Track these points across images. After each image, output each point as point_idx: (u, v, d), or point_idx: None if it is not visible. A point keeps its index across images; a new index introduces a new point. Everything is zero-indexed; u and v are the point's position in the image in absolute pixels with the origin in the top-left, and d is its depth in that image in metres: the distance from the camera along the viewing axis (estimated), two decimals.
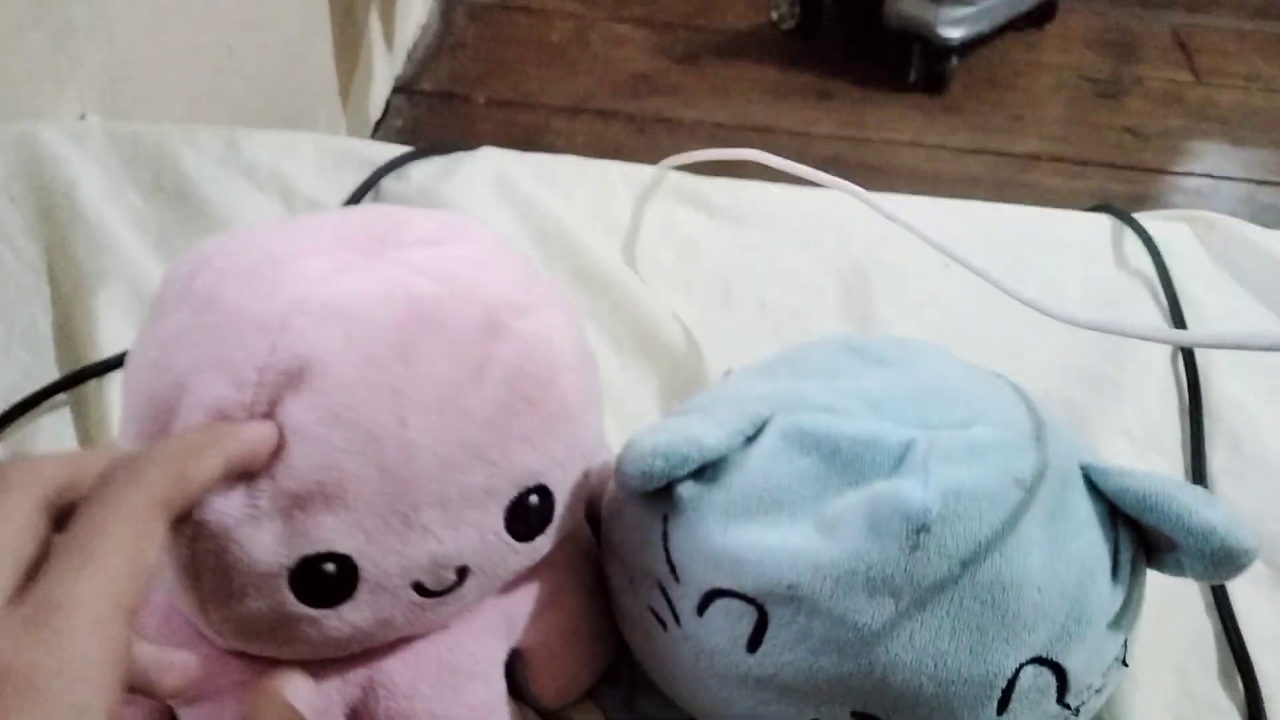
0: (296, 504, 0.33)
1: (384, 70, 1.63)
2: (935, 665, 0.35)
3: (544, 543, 0.40)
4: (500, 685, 0.42)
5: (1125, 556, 0.38)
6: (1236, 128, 1.70)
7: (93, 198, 0.64)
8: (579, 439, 0.40)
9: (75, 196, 0.64)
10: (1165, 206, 0.76)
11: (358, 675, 0.38)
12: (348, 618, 0.35)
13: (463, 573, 0.37)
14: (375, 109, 1.60)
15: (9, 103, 0.71)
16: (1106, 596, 0.37)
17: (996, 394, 0.41)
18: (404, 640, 0.39)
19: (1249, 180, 1.64)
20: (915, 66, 1.72)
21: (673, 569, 0.39)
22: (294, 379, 0.33)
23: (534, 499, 0.38)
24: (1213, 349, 0.61)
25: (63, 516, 0.28)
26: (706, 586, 0.37)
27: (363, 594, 0.35)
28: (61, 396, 0.56)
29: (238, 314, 0.34)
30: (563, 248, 0.65)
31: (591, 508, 0.45)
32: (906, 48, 1.71)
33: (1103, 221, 0.71)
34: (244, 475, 0.33)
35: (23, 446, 0.54)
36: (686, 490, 0.38)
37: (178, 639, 0.38)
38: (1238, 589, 0.51)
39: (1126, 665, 0.39)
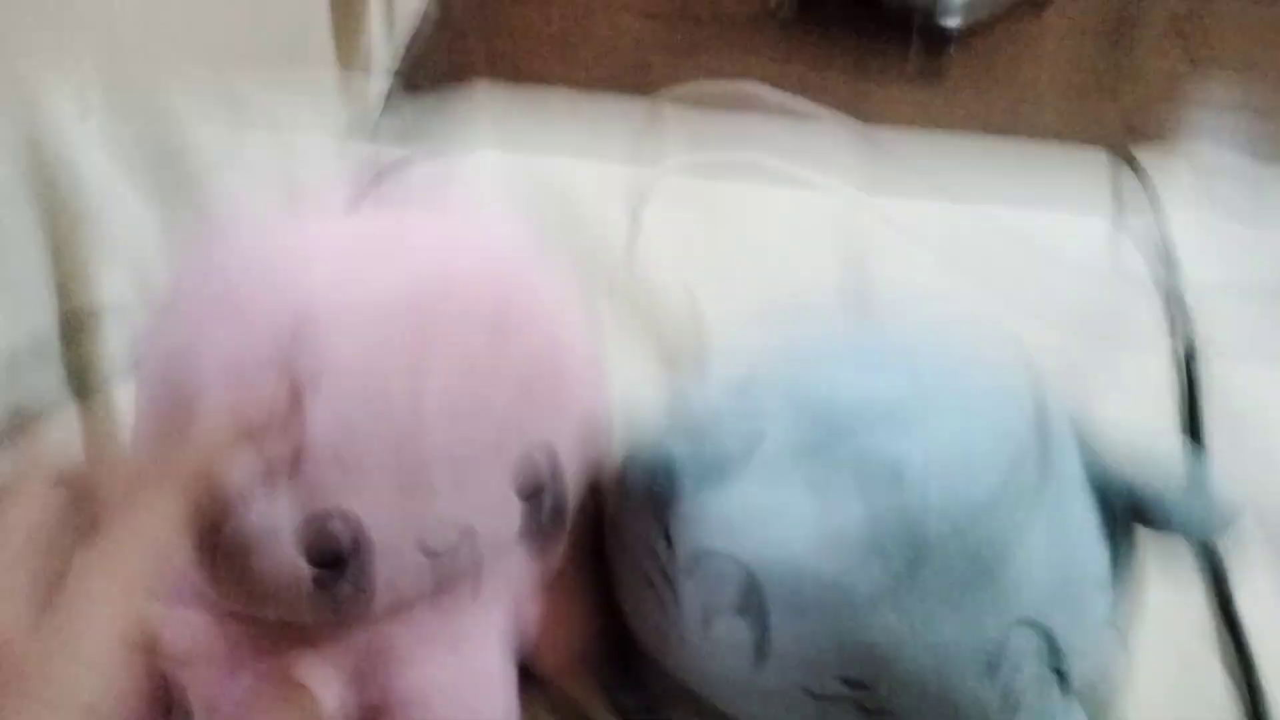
0: (310, 467, 0.34)
1: (381, 59, 1.62)
2: (924, 628, 0.35)
3: (552, 511, 0.40)
4: (501, 653, 0.42)
5: (1117, 520, 0.38)
6: (1234, 115, 1.69)
7: (94, 176, 0.64)
8: (588, 411, 0.41)
9: (77, 173, 0.64)
10: (1162, 143, 0.75)
11: (362, 645, 0.39)
12: (355, 580, 0.36)
13: (469, 536, 0.38)
14: (372, 101, 1.60)
15: None
16: (1097, 559, 0.37)
17: (990, 351, 0.41)
18: (409, 610, 0.39)
19: (1247, 117, 1.62)
20: (914, 53, 1.71)
21: (666, 534, 0.39)
22: (311, 344, 0.34)
23: (544, 467, 0.39)
24: (1206, 298, 0.61)
25: (86, 508, 0.28)
26: (700, 554, 0.38)
27: (373, 558, 0.35)
28: (55, 345, 0.56)
29: (250, 277, 0.35)
30: (563, 230, 0.65)
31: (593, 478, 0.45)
32: (905, 34, 1.71)
33: (1099, 159, 0.70)
34: (263, 447, 0.33)
35: (17, 396, 0.54)
36: (680, 455, 0.38)
37: (179, 603, 0.38)
38: (1233, 562, 0.50)
39: (1119, 631, 0.39)
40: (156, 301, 0.39)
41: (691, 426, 0.38)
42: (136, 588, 0.25)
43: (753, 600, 0.37)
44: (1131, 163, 0.68)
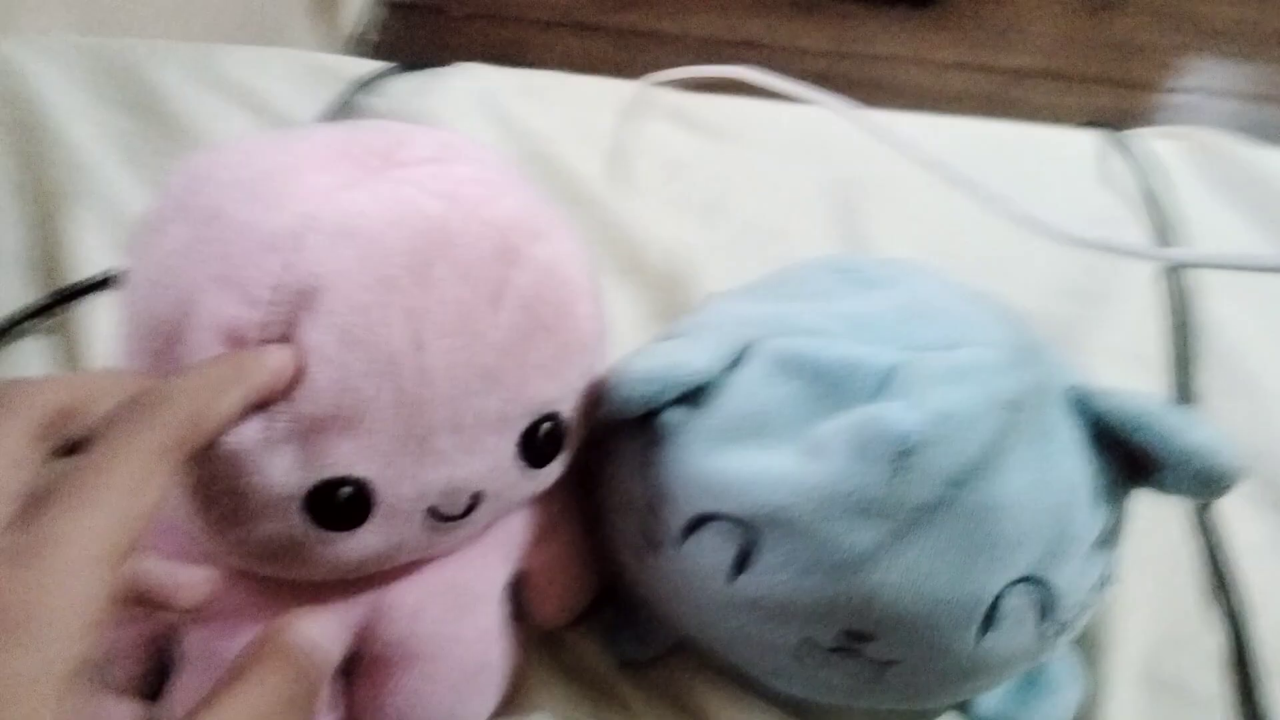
0: (313, 428, 0.33)
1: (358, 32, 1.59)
2: (921, 586, 0.35)
3: (555, 469, 0.40)
4: (502, 608, 0.42)
5: (1111, 477, 0.38)
6: (1227, 42, 1.68)
7: (62, 115, 0.63)
8: (591, 367, 0.39)
9: (45, 113, 0.62)
10: (1155, 123, 0.75)
11: (364, 598, 0.38)
12: (361, 541, 0.35)
13: (476, 498, 0.37)
14: (350, 23, 1.57)
15: None
16: (1092, 516, 0.37)
17: (983, 314, 0.41)
18: (412, 563, 0.39)
19: (1239, 96, 1.62)
20: None
21: (658, 493, 0.38)
22: (308, 299, 0.32)
23: (547, 426, 0.38)
24: (1200, 268, 0.60)
25: (64, 442, 0.27)
26: (692, 511, 0.37)
27: (377, 518, 0.35)
28: (37, 320, 0.55)
29: (245, 229, 0.33)
30: (544, 165, 0.64)
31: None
32: None
33: (1092, 138, 0.70)
34: (266, 405, 0.32)
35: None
36: (671, 415, 0.38)
37: (177, 559, 0.37)
38: (1223, 506, 0.51)
39: (1112, 584, 0.39)
40: (142, 221, 0.37)
41: (686, 387, 0.38)
42: (117, 527, 0.24)
43: (751, 559, 0.37)
44: (1123, 141, 0.68)
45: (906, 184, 0.63)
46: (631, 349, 0.39)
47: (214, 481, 0.33)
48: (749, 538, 0.36)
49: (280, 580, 0.37)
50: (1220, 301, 0.59)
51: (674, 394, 0.37)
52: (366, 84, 0.68)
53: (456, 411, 0.35)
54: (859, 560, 0.35)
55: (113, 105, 0.65)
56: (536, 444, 0.38)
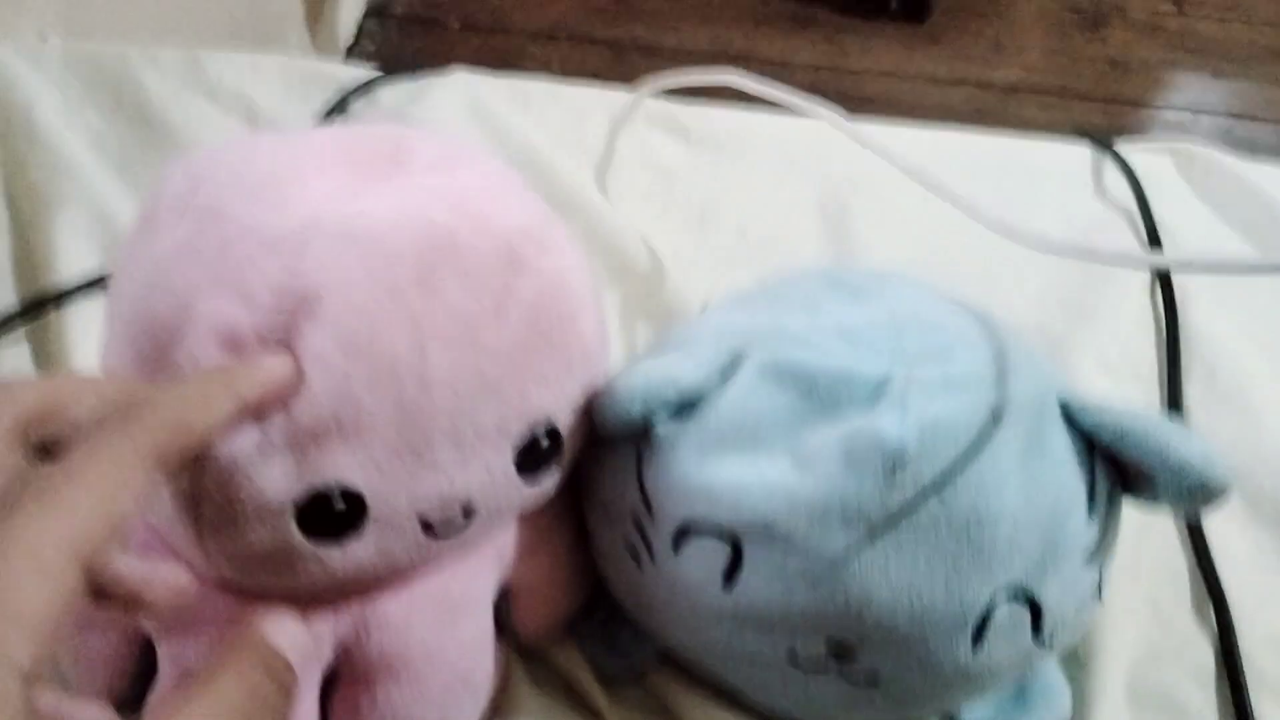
0: (309, 437, 0.32)
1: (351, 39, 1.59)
2: (910, 599, 0.35)
3: (549, 483, 0.39)
4: (488, 620, 0.41)
5: (1101, 489, 0.38)
6: (1217, 60, 1.69)
7: (51, 120, 0.62)
8: (592, 380, 0.39)
9: (33, 118, 0.62)
10: (1144, 139, 0.75)
11: (351, 609, 0.38)
12: (351, 553, 0.35)
13: (469, 511, 0.36)
14: (345, 33, 1.57)
15: None
16: (1082, 530, 0.37)
17: (974, 326, 0.41)
18: (400, 575, 0.38)
19: (1228, 114, 1.63)
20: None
21: (648, 504, 0.38)
22: (310, 304, 0.32)
23: (544, 440, 0.37)
24: (1189, 274, 0.60)
25: (42, 444, 0.26)
26: (682, 522, 0.37)
27: (369, 530, 0.34)
28: (20, 324, 0.55)
29: (246, 231, 0.33)
30: (535, 173, 0.64)
31: None
32: None
33: (1083, 151, 0.70)
34: (261, 416, 0.31)
35: None
36: (662, 426, 0.38)
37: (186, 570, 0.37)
38: (1211, 520, 0.51)
39: (1101, 597, 0.39)
40: (137, 221, 0.36)
41: (679, 403, 0.37)
42: (87, 529, 0.24)
43: (740, 570, 0.36)
44: (1113, 154, 0.68)
45: (897, 194, 0.63)
46: (619, 356, 0.39)
47: (206, 489, 0.32)
48: (739, 548, 0.36)
49: (266, 591, 0.36)
50: (1210, 313, 0.59)
51: (666, 412, 0.37)
52: (358, 90, 0.68)
53: (455, 422, 0.34)
54: (848, 573, 0.35)
55: (102, 111, 0.65)
56: (534, 456, 0.37)
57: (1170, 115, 1.61)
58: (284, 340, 0.32)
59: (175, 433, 0.27)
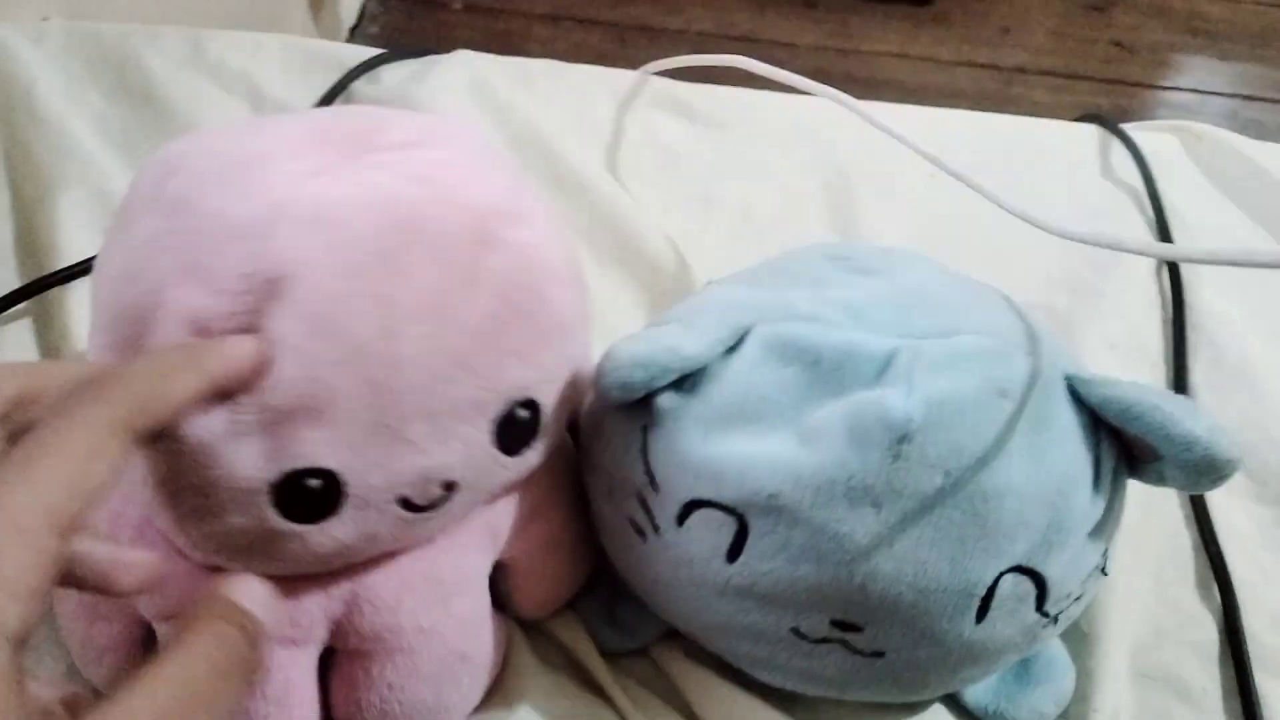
0: (280, 419, 0.32)
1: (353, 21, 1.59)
2: (915, 574, 0.35)
3: (532, 457, 0.39)
4: (485, 598, 0.41)
5: (1107, 466, 0.38)
6: (1223, 41, 1.68)
7: (53, 100, 0.62)
8: (569, 353, 0.39)
9: (34, 98, 0.62)
10: (1151, 120, 0.75)
11: (340, 590, 0.38)
12: (332, 533, 0.35)
13: (450, 487, 0.36)
14: (349, 15, 1.56)
15: None
16: (1088, 506, 0.37)
17: (981, 302, 0.41)
18: (389, 554, 0.38)
19: (1235, 95, 1.62)
20: None
21: (652, 479, 0.38)
22: (277, 288, 0.32)
23: (523, 413, 0.37)
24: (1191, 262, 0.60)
25: (19, 431, 0.26)
26: (686, 497, 0.37)
27: (347, 509, 0.34)
28: (23, 305, 0.55)
29: (214, 219, 0.33)
30: (540, 154, 0.63)
31: (571, 418, 0.44)
32: None
33: (1090, 132, 0.70)
34: (229, 395, 0.31)
35: None
36: (666, 401, 0.38)
37: (147, 550, 0.37)
38: (1216, 499, 0.51)
39: (1106, 574, 0.39)
40: (116, 212, 0.37)
41: (679, 373, 0.37)
42: (63, 497, 0.24)
43: (745, 546, 0.36)
44: (1121, 135, 0.68)
45: (903, 175, 0.63)
46: (625, 334, 0.39)
47: (181, 474, 0.32)
48: (743, 522, 0.36)
49: (254, 573, 0.36)
50: (1216, 293, 0.59)
51: (667, 380, 0.37)
52: (361, 71, 0.67)
53: (429, 399, 0.34)
54: (853, 548, 0.35)
55: (105, 91, 0.65)
56: (512, 431, 0.37)
57: (1177, 97, 1.61)
58: (252, 325, 0.32)
59: (144, 404, 0.27)
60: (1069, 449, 0.37)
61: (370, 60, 0.68)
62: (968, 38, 1.66)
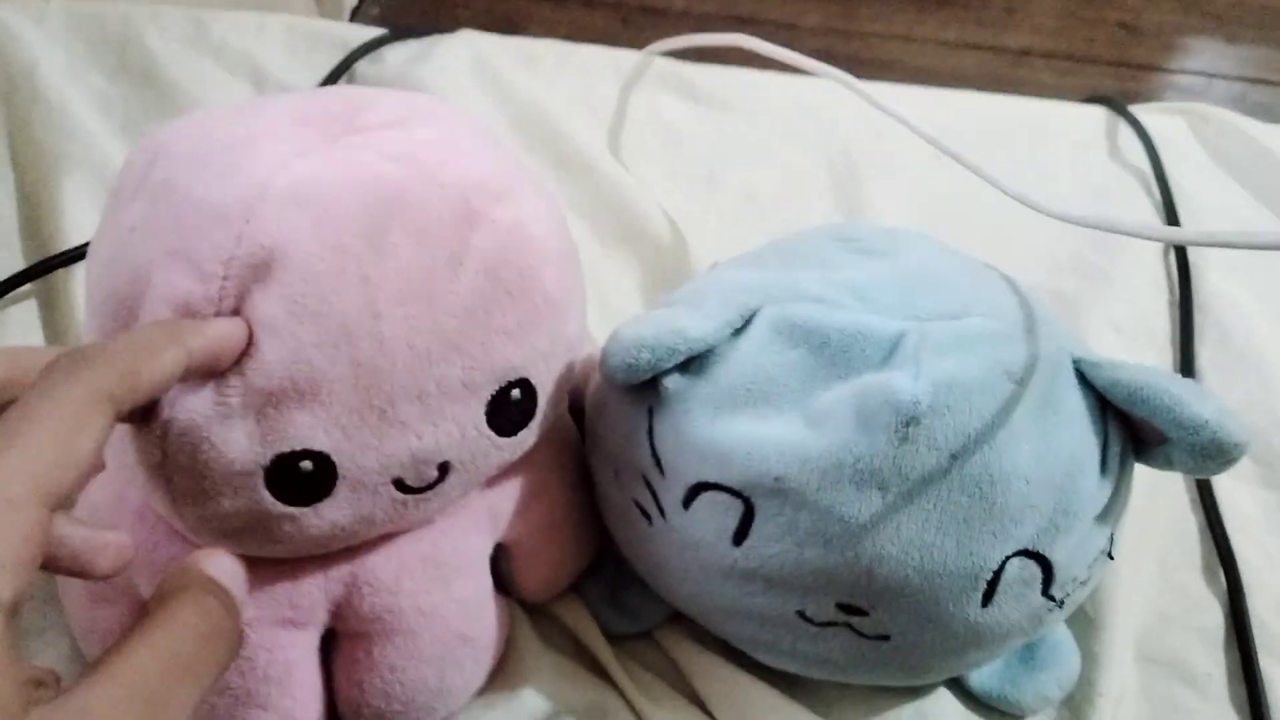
0: (269, 401, 0.32)
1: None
2: (921, 558, 0.34)
3: (527, 437, 0.39)
4: (486, 580, 0.41)
5: (1114, 450, 0.37)
6: (1231, 24, 1.67)
7: (55, 81, 0.62)
8: (561, 331, 0.38)
9: (36, 79, 0.62)
10: (1158, 103, 0.75)
11: (340, 572, 0.38)
12: (327, 515, 0.34)
13: (444, 469, 0.36)
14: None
15: None
16: (1094, 489, 0.37)
17: (987, 285, 0.40)
18: (388, 536, 0.38)
19: (1242, 78, 1.61)
20: None
21: (658, 462, 0.38)
22: (260, 271, 0.32)
23: (516, 393, 0.37)
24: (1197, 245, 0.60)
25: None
26: (692, 480, 0.37)
27: (341, 491, 0.34)
28: (27, 287, 0.55)
29: (197, 202, 0.33)
30: (544, 134, 0.63)
31: (575, 400, 0.44)
32: None
33: (1097, 114, 0.69)
34: (212, 373, 0.31)
35: None
36: (672, 383, 0.38)
37: (153, 539, 0.37)
38: (1222, 483, 0.51)
39: (1112, 558, 0.39)
40: (107, 198, 0.37)
41: (685, 355, 0.37)
42: (47, 468, 0.24)
43: (751, 529, 0.36)
44: (1128, 117, 0.68)
45: (908, 156, 0.63)
46: (630, 316, 0.39)
47: (174, 458, 0.32)
48: (750, 505, 0.36)
49: (253, 558, 0.36)
50: (1223, 276, 0.59)
51: (673, 362, 0.37)
52: (364, 51, 0.67)
53: (418, 380, 0.34)
54: (859, 531, 0.34)
55: (106, 71, 0.64)
56: (506, 412, 0.37)
57: (1184, 80, 1.60)
58: (236, 309, 0.32)
59: (125, 377, 0.27)
60: (1076, 432, 0.36)
61: (373, 40, 0.68)
62: (973, 20, 1.65)
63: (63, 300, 0.54)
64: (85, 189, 0.58)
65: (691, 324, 0.37)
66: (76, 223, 0.56)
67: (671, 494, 0.38)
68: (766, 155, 0.65)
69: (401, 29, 0.69)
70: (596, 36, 0.75)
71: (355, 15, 1.55)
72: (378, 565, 0.38)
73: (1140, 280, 0.59)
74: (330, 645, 0.39)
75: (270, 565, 0.37)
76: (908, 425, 0.34)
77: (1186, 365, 0.55)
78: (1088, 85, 1.54)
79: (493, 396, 0.36)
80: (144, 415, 0.31)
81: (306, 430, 0.33)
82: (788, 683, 0.42)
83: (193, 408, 0.31)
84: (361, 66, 0.67)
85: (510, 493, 0.42)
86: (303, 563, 0.37)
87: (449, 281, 0.34)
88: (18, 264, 0.55)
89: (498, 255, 0.35)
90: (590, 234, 0.59)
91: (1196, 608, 0.47)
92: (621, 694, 0.43)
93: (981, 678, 0.43)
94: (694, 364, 0.38)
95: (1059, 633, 0.44)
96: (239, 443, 0.32)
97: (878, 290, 0.39)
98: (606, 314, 0.55)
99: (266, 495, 0.33)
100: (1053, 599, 0.37)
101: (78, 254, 0.54)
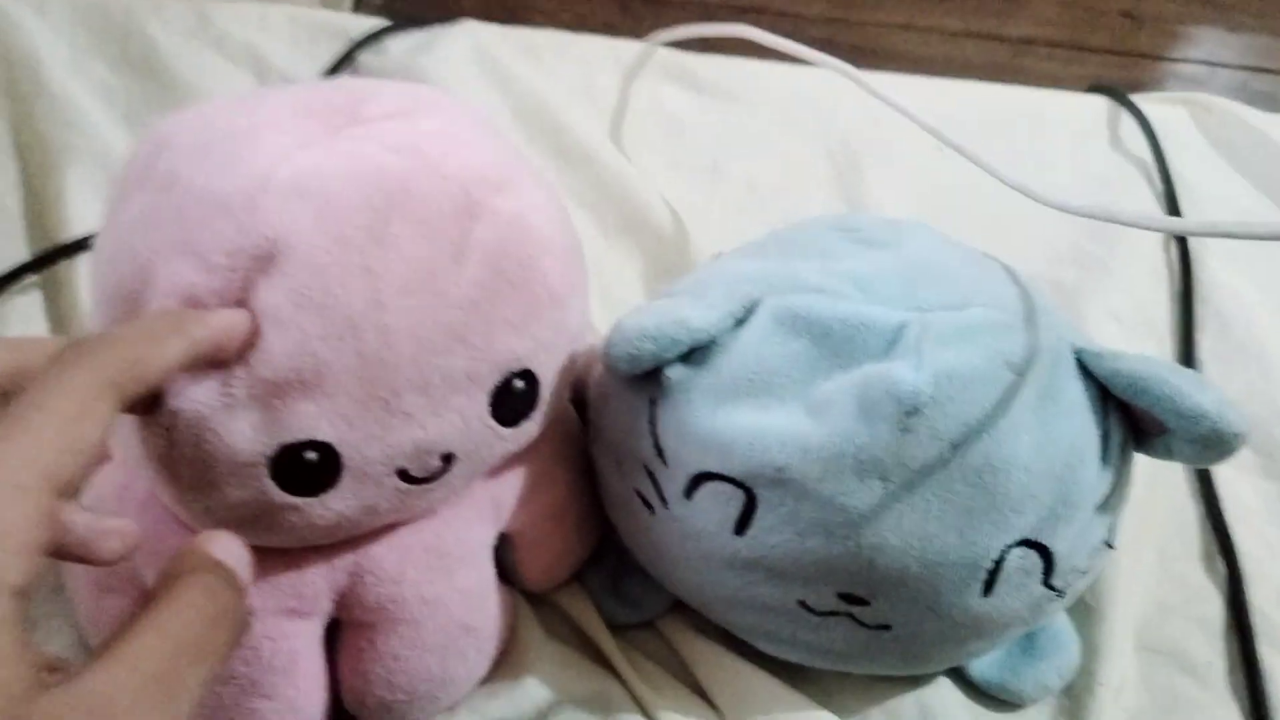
0: (273, 392, 0.32)
1: None
2: (922, 548, 0.35)
3: (530, 428, 0.39)
4: (489, 569, 0.41)
5: (1115, 440, 0.37)
6: (1233, 13, 1.66)
7: (57, 71, 0.62)
8: (564, 321, 0.39)
9: (40, 70, 0.62)
10: (1160, 92, 0.74)
11: (344, 561, 0.38)
12: (331, 505, 0.35)
13: (448, 459, 0.36)
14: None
15: None
16: (1095, 479, 0.37)
17: (988, 275, 0.41)
18: (391, 526, 0.38)
19: (1244, 67, 1.61)
20: None
21: (660, 453, 0.38)
22: (265, 262, 0.32)
23: (518, 383, 0.37)
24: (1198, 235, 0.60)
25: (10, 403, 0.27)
26: (694, 470, 0.37)
27: (346, 482, 0.34)
28: (32, 277, 0.55)
29: (201, 194, 0.33)
30: (545, 125, 0.63)
31: (578, 391, 0.44)
32: None
33: (1098, 103, 0.69)
34: (217, 363, 0.32)
35: None
36: (675, 373, 0.38)
37: (159, 529, 0.37)
38: (1222, 472, 0.51)
39: (1112, 548, 0.39)
40: (110, 190, 0.37)
41: (688, 345, 0.37)
42: (53, 455, 0.24)
43: (752, 519, 0.36)
44: (1130, 106, 0.67)
45: (908, 145, 0.62)
46: (632, 306, 0.39)
47: (180, 449, 0.32)
48: (752, 495, 0.36)
49: (258, 547, 0.36)
50: (1224, 265, 0.59)
51: (675, 352, 0.37)
52: (366, 41, 0.67)
53: (421, 371, 0.34)
54: (861, 521, 0.35)
55: (109, 62, 0.64)
56: (509, 402, 0.37)
57: (1186, 69, 1.59)
58: (241, 300, 0.32)
59: (130, 366, 0.27)
60: (1077, 422, 0.36)
61: (375, 31, 0.68)
62: (975, 9, 1.64)
63: (66, 291, 0.54)
64: (88, 179, 0.58)
65: (694, 315, 0.37)
66: (80, 213, 0.56)
67: (673, 484, 0.38)
68: (768, 145, 0.65)
69: (403, 19, 0.69)
70: (598, 25, 0.75)
71: (358, 6, 1.55)
72: (381, 555, 0.38)
73: (1140, 270, 0.59)
74: (334, 635, 0.39)
75: (275, 555, 0.37)
76: (909, 416, 0.34)
77: (1187, 355, 0.55)
78: (1090, 74, 1.54)
79: (496, 387, 0.36)
80: (150, 406, 0.31)
81: (311, 421, 0.33)
82: (789, 672, 0.42)
83: (198, 398, 0.32)
84: (364, 57, 0.67)
85: (513, 483, 0.42)
86: (307, 552, 0.37)
87: (452, 273, 0.34)
88: (21, 254, 0.55)
89: (499, 246, 0.36)
90: (592, 225, 0.59)
91: (1196, 597, 0.47)
92: (623, 683, 0.43)
93: (982, 667, 0.43)
94: (696, 354, 0.38)
95: (1059, 622, 0.44)
96: (244, 433, 0.32)
97: (879, 281, 0.39)
98: (609, 304, 0.55)
99: (271, 485, 0.33)
100: (1053, 589, 0.37)
101: (81, 244, 0.54)
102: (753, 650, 0.42)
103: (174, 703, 0.24)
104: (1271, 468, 0.51)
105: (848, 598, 0.37)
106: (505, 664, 0.43)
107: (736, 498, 0.36)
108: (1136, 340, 0.56)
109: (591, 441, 0.43)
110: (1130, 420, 0.38)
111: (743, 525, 0.36)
